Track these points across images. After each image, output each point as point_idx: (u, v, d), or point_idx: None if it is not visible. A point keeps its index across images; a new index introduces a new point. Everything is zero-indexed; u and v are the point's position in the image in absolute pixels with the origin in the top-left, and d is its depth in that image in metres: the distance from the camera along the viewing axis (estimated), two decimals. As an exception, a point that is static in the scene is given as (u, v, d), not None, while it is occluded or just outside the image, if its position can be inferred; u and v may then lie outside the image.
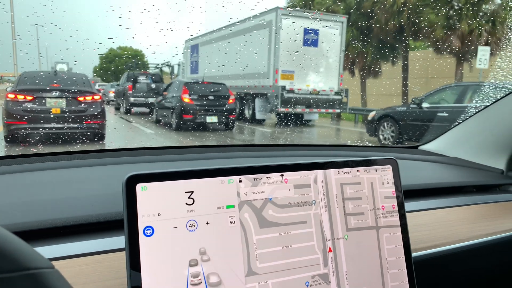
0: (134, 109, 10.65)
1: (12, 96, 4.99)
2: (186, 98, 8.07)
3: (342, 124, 11.56)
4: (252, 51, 10.43)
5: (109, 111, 11.61)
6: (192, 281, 0.52)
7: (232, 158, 1.11)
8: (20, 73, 5.89)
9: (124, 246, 0.52)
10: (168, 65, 13.45)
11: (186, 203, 0.54)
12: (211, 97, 8.36)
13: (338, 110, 10.60)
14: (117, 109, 11.38)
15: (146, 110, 10.63)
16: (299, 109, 9.57)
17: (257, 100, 9.93)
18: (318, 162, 0.64)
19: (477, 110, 1.26)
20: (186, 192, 0.54)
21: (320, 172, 0.64)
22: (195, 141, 7.32)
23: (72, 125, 5.33)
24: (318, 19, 10.24)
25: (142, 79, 10.80)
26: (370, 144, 6.85)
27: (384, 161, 0.68)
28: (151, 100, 10.31)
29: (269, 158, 1.11)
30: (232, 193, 0.57)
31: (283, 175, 0.61)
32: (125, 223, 0.51)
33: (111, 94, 12.57)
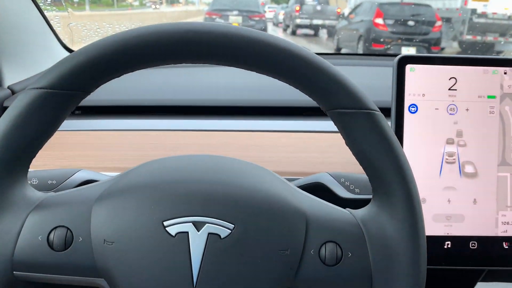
0: (300, 31, 10.86)
1: (209, 14, 7.87)
2: (379, 23, 6.81)
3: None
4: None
5: (278, 32, 12.09)
6: (447, 159, 0.59)
7: None
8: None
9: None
10: None
11: (449, 88, 0.59)
12: (411, 23, 6.96)
13: (544, 41, 8.84)
14: (285, 30, 11.76)
15: (311, 32, 10.74)
16: (490, 37, 8.31)
17: (438, 26, 8.95)
18: None
19: None
20: (450, 78, 0.59)
21: None
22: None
23: None
24: None
25: (308, 0, 10.90)
26: None
27: None
28: (315, 21, 10.33)
29: None
30: (495, 84, 0.60)
31: (552, 72, 0.60)
32: (392, 98, 0.59)
33: (281, 16, 12.95)
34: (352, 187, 0.57)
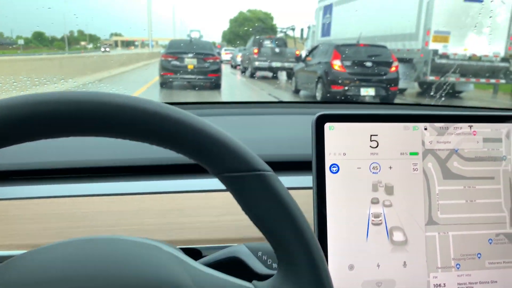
0: (258, 73, 11.18)
1: (165, 57, 7.98)
2: (337, 65, 7.06)
3: (502, 97, 10.02)
4: (397, 9, 9.83)
5: (236, 74, 12.35)
6: (373, 220, 0.58)
7: None
8: (170, 39, 9.50)
9: (310, 185, 0.59)
10: (292, 29, 13.64)
11: (370, 146, 0.59)
12: (368, 64, 7.26)
13: (503, 81, 9.40)
14: (243, 72, 12.08)
15: (270, 74, 11.10)
16: (452, 78, 8.76)
17: (399, 66, 9.40)
18: None
19: None
20: (370, 135, 0.60)
21: (514, 127, 0.62)
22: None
23: (199, 77, 8.09)
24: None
25: (267, 43, 11.37)
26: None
27: None
28: (274, 64, 10.71)
29: None
30: (417, 141, 0.60)
31: (472, 126, 0.62)
32: (313, 158, 0.58)
33: (239, 59, 13.35)
34: (269, 261, 0.55)
